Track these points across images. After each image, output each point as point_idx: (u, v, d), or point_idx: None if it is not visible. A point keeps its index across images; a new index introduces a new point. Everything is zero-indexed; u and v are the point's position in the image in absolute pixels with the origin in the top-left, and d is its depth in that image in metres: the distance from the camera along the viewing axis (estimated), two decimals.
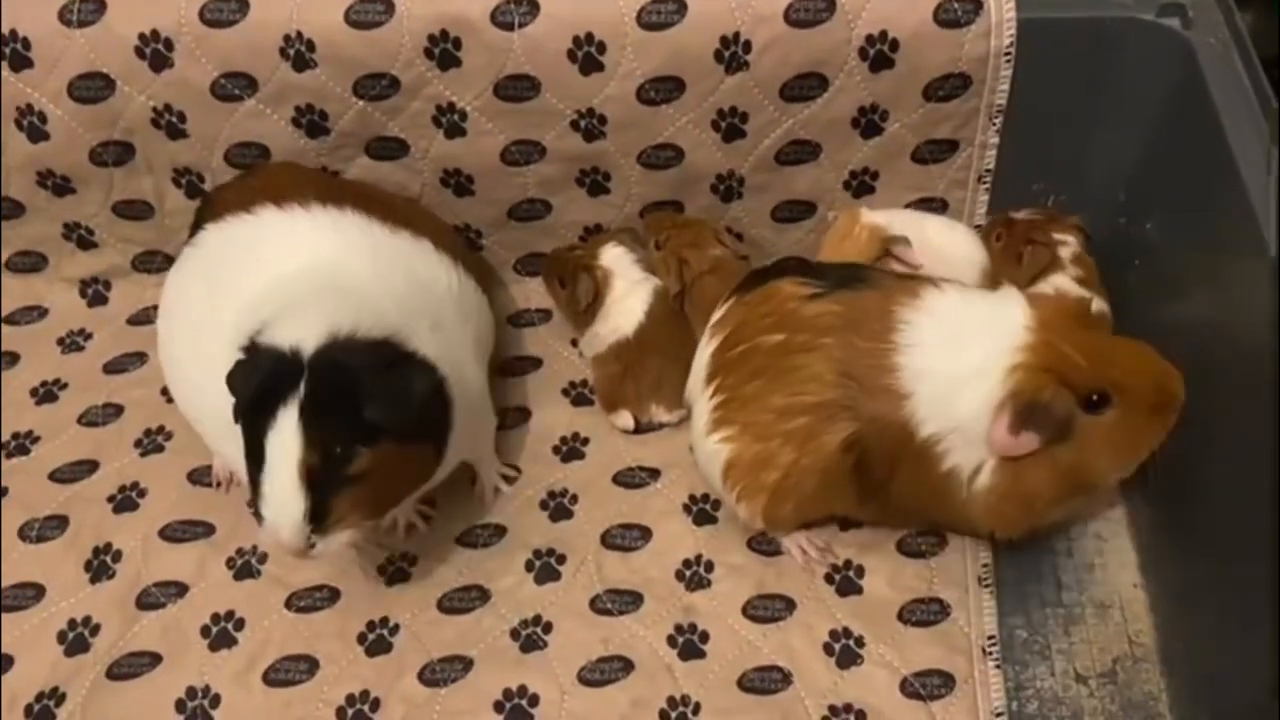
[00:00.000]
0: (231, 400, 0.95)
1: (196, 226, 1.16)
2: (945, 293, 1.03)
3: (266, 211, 1.09)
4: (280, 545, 0.94)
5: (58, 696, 1.06)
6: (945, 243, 1.24)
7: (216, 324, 1.03)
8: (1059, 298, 1.06)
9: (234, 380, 0.95)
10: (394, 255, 1.10)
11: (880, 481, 1.03)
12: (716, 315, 1.11)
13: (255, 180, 1.18)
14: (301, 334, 0.93)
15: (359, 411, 0.92)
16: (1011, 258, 1.23)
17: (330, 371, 0.93)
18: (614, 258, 1.28)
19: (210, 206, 1.17)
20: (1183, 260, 1.15)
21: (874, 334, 1.00)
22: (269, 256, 1.05)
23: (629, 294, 1.27)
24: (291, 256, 1.05)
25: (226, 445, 1.07)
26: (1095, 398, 0.96)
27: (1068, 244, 1.22)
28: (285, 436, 0.91)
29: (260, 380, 0.93)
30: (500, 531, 1.17)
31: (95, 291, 1.41)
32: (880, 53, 1.17)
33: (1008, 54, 1.17)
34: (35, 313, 1.40)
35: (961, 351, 0.98)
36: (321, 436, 0.92)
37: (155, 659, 1.08)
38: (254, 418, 0.93)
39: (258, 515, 0.94)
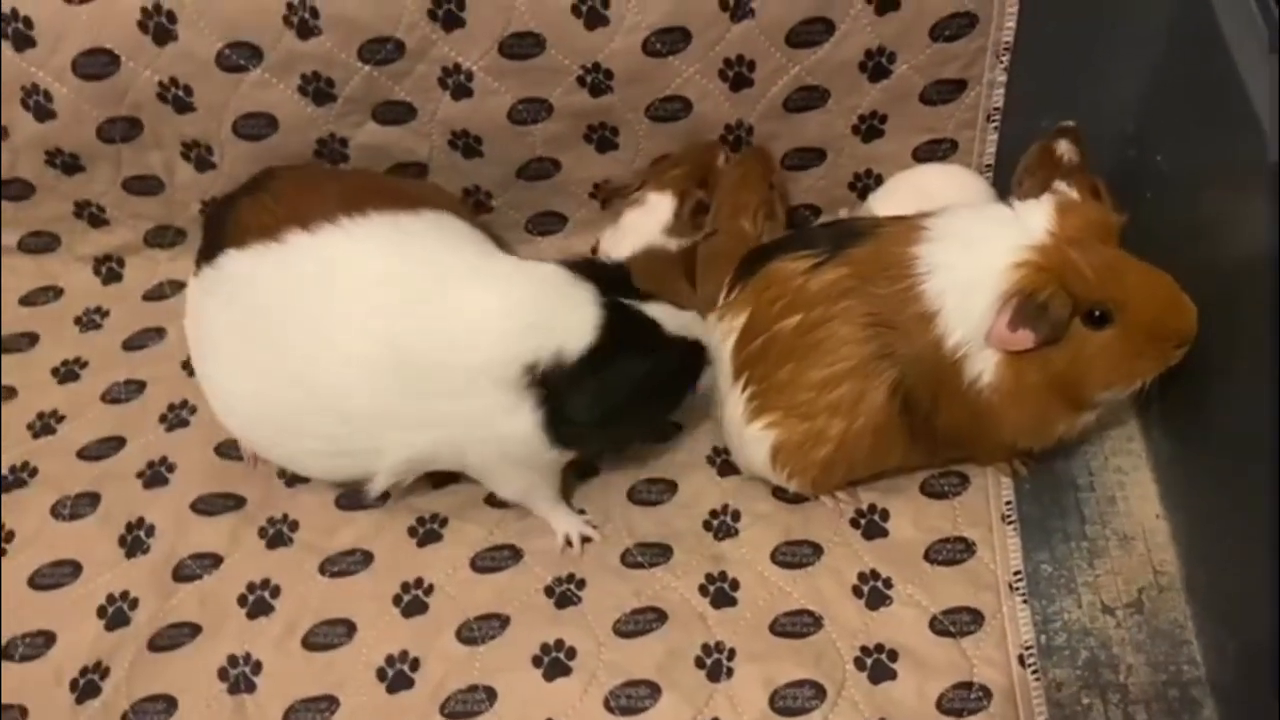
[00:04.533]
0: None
1: (213, 247, 1.12)
2: (955, 213, 1.04)
3: (299, 238, 1.06)
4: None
5: (102, 670, 1.07)
6: (948, 191, 1.24)
7: (301, 362, 1.03)
8: (1090, 208, 1.06)
9: (612, 383, 1.00)
10: (434, 234, 1.11)
11: (926, 415, 1.03)
12: (725, 309, 1.11)
13: (269, 200, 1.13)
14: (583, 302, 1.01)
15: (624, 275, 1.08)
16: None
17: (606, 275, 1.05)
18: (654, 202, 1.28)
19: (223, 229, 1.12)
20: (1193, 190, 1.14)
21: (893, 277, 1.01)
22: (361, 288, 1.03)
23: (630, 231, 1.28)
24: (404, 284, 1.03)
25: (295, 461, 1.14)
26: (1097, 313, 0.97)
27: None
28: (666, 312, 1.04)
29: (628, 339, 1.01)
30: None
31: (109, 269, 1.41)
32: None
33: None
34: (51, 293, 1.40)
35: (979, 253, 0.99)
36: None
37: (195, 629, 1.10)
38: (652, 361, 1.02)
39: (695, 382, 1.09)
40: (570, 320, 1.00)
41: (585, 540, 1.14)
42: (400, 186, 1.23)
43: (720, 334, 1.11)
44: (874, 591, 1.09)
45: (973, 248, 1.00)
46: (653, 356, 1.02)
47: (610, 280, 1.03)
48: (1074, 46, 1.23)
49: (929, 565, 1.10)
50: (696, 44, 1.20)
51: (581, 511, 1.17)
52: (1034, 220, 0.99)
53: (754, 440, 1.09)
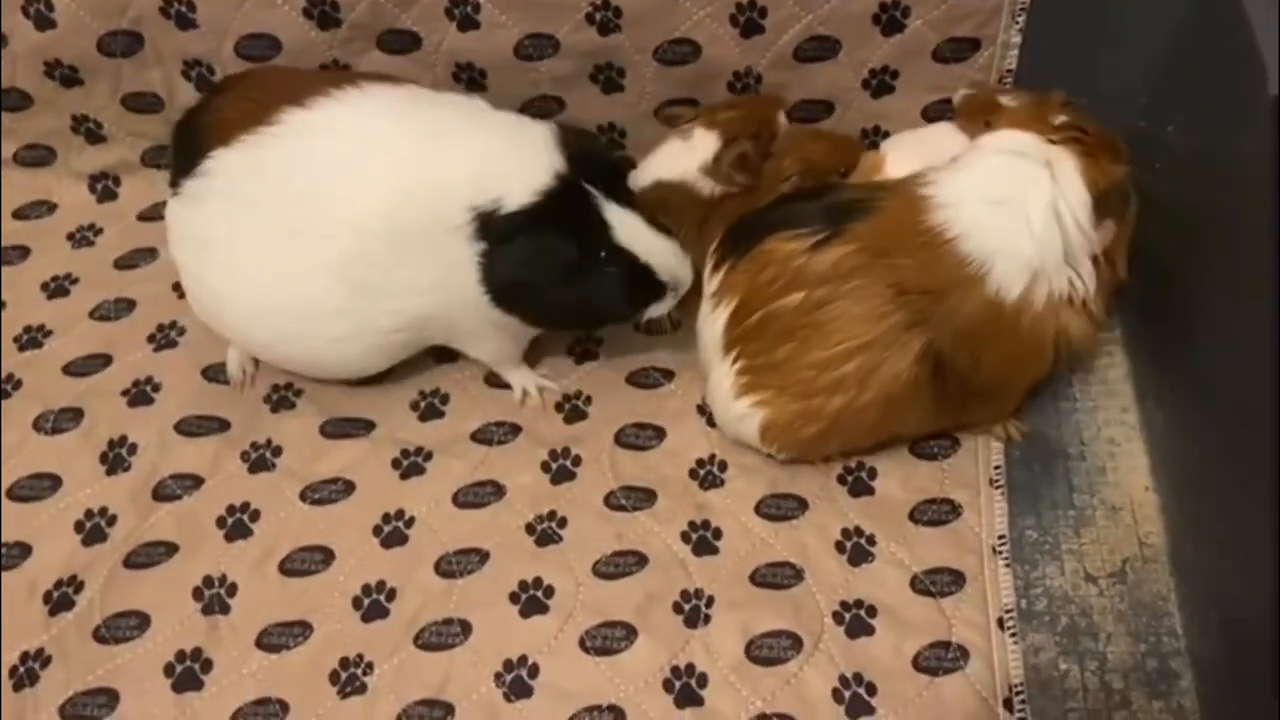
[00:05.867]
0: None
1: (193, 157, 1.09)
2: (952, 176, 1.04)
3: (294, 115, 1.06)
4: (687, 284, 1.10)
5: (76, 584, 1.07)
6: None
7: (316, 237, 1.04)
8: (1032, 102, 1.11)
9: (531, 259, 1.03)
10: (428, 97, 1.13)
11: (963, 373, 1.03)
12: (714, 284, 1.09)
13: (249, 91, 1.13)
14: (539, 168, 1.03)
15: (619, 172, 1.13)
16: None
17: (590, 161, 1.06)
18: (699, 138, 1.23)
19: (200, 136, 1.10)
20: (1203, 164, 1.13)
21: (919, 246, 1.01)
22: (365, 145, 1.05)
23: (666, 157, 1.24)
24: (396, 133, 1.06)
25: (309, 351, 1.12)
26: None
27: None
28: (629, 222, 1.05)
29: (569, 223, 1.03)
30: (515, 430, 1.18)
31: (104, 186, 1.40)
32: None
33: None
34: (44, 207, 1.39)
35: (1012, 199, 1.00)
36: (629, 200, 1.08)
37: (172, 549, 1.09)
38: (586, 255, 1.03)
39: (646, 305, 1.09)
40: (519, 176, 1.02)
41: (543, 392, 1.20)
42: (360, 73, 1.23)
43: (710, 309, 1.10)
44: (856, 548, 1.08)
45: (1005, 200, 1.00)
46: (582, 250, 1.03)
47: (596, 166, 1.06)
48: (1091, 12, 1.21)
49: (913, 525, 1.10)
50: None
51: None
52: (1023, 143, 1.03)
53: (741, 416, 1.08)
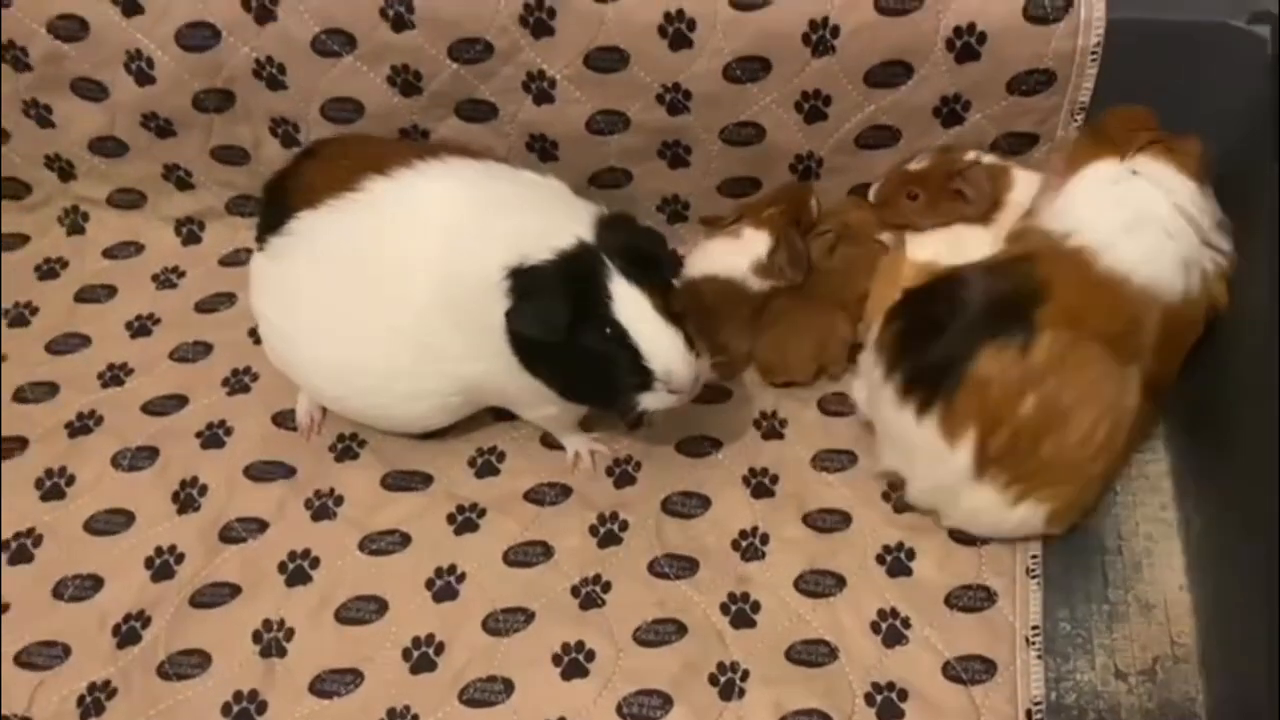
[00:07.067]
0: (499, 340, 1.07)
1: (280, 216, 1.16)
2: (1089, 223, 1.10)
3: (377, 183, 1.12)
4: (683, 384, 1.05)
5: (144, 619, 1.12)
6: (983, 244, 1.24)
7: (389, 301, 1.10)
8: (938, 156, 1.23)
9: (533, 313, 1.03)
10: (498, 169, 1.18)
11: (1155, 376, 1.11)
12: (929, 427, 1.08)
13: (336, 158, 1.18)
14: (567, 232, 1.04)
15: (653, 260, 1.07)
16: (947, 199, 1.24)
17: (620, 239, 1.05)
18: (749, 238, 1.29)
19: (288, 196, 1.16)
20: (1249, 273, 1.15)
21: (1101, 297, 1.06)
22: (432, 215, 1.10)
23: (717, 254, 1.31)
24: (461, 204, 1.10)
25: (377, 406, 1.18)
26: None
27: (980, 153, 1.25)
28: (632, 299, 1.03)
29: (571, 284, 1.02)
30: (566, 492, 1.21)
31: (190, 231, 1.46)
32: (967, 44, 1.18)
33: (1094, 53, 1.18)
34: (133, 248, 1.46)
35: (1139, 218, 1.09)
36: (652, 286, 1.05)
37: (235, 590, 1.14)
38: (583, 318, 1.02)
39: (638, 390, 1.05)
40: (547, 237, 1.04)
41: (595, 455, 1.24)
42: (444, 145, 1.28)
43: (947, 450, 1.08)
44: (891, 629, 1.11)
45: (1149, 228, 1.08)
46: (577, 312, 1.02)
47: (626, 246, 1.06)
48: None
49: (949, 610, 1.12)
50: (776, 74, 1.22)
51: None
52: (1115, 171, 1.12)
53: (1024, 520, 1.11)
